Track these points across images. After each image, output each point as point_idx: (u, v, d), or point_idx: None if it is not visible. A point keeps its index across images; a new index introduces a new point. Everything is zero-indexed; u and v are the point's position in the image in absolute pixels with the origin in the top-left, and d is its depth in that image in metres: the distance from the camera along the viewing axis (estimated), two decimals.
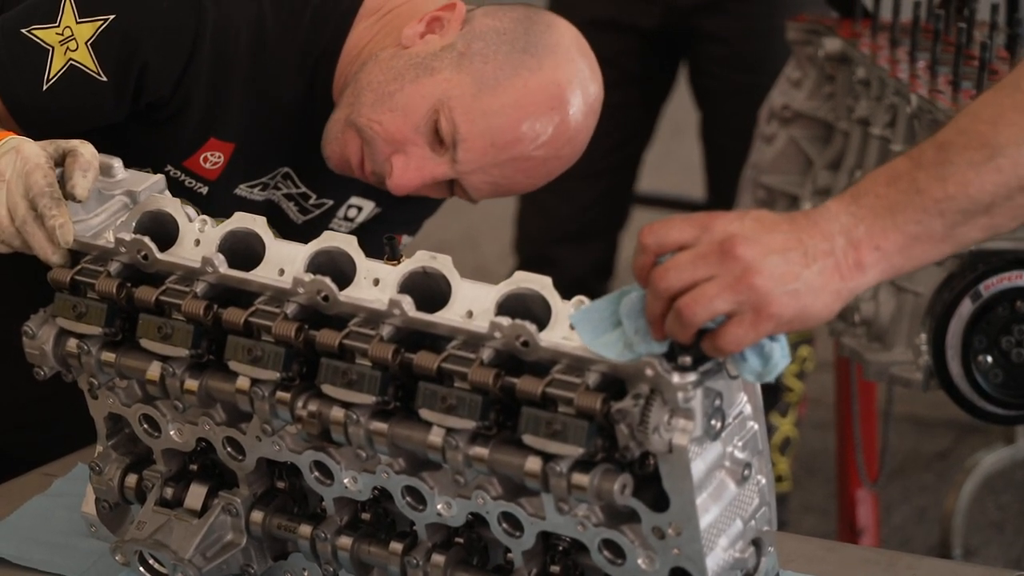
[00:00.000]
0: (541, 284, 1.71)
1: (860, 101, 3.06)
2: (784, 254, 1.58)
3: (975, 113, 1.65)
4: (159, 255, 1.85)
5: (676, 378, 1.58)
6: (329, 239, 1.83)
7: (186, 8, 2.20)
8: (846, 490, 3.60)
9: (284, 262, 1.83)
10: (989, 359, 2.36)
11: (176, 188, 2.25)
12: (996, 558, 3.87)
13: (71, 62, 2.17)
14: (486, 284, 1.75)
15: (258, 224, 1.86)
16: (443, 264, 1.76)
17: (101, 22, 2.17)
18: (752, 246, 1.57)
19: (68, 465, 2.21)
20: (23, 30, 2.17)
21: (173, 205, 1.92)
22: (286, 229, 2.33)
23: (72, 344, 1.89)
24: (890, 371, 2.72)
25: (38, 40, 2.17)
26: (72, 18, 2.17)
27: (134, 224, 1.93)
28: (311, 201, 2.42)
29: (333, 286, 1.76)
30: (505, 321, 1.67)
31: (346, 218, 2.46)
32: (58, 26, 2.16)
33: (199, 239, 1.88)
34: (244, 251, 1.85)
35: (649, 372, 1.59)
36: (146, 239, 1.85)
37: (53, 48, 2.17)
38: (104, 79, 2.18)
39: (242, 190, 2.36)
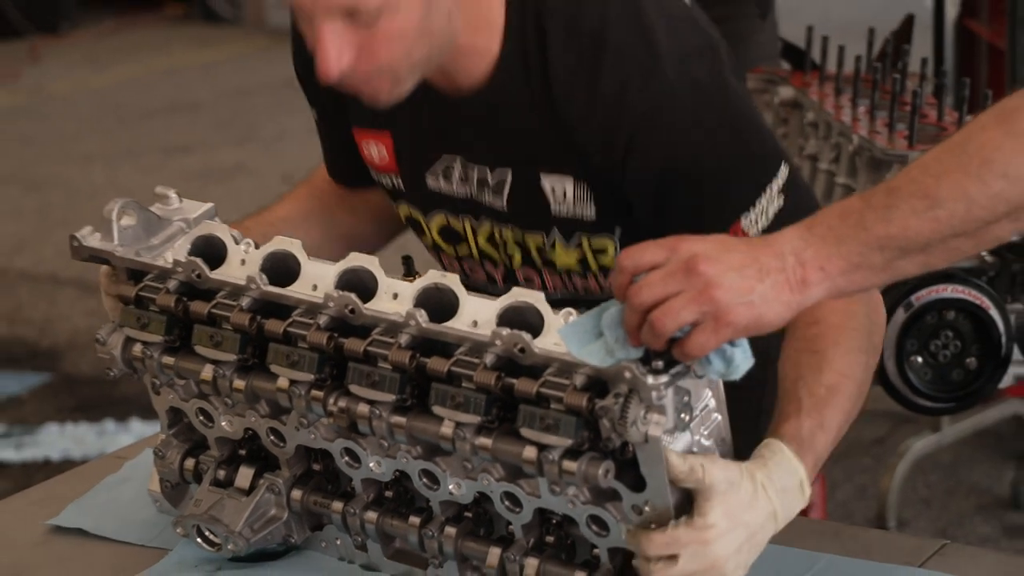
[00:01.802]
0: (535, 298, 1.72)
1: (809, 140, 3.07)
2: (741, 270, 1.59)
3: (925, 166, 1.65)
4: (210, 274, 1.86)
5: (650, 380, 1.60)
6: (355, 259, 1.83)
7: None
8: None
9: (317, 279, 1.83)
10: (920, 360, 2.36)
11: (384, 189, 2.14)
12: (924, 529, 3.87)
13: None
14: (489, 298, 1.76)
15: (294, 247, 1.85)
16: (452, 281, 1.77)
17: None
18: (713, 264, 1.59)
19: (136, 450, 2.21)
20: None
21: (222, 230, 1.91)
22: (500, 217, 2.05)
23: (137, 349, 1.90)
24: None
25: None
26: None
27: (189, 246, 1.92)
28: (490, 180, 2.03)
29: (358, 301, 1.77)
30: (505, 331, 1.68)
31: (557, 198, 2.01)
32: None
33: (244, 259, 1.88)
34: (282, 269, 1.85)
35: (627, 375, 1.60)
36: (199, 260, 1.86)
37: None
38: (313, 111, 2.18)
39: (432, 181, 2.07)
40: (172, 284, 1.89)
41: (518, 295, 1.75)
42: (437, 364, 1.74)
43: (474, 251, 2.09)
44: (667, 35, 1.91)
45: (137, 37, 9.41)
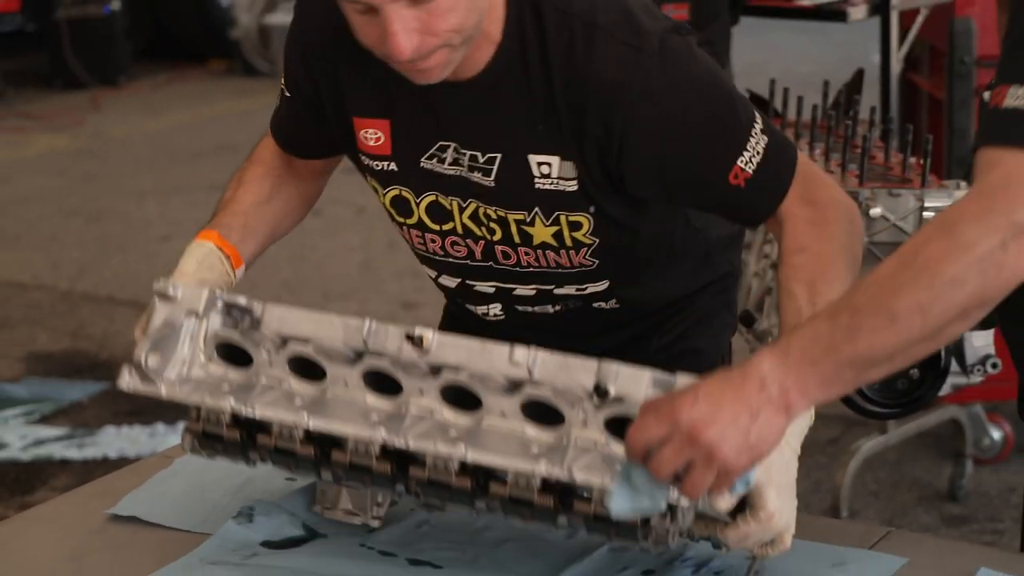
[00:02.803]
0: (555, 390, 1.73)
1: None
2: (735, 421, 1.60)
3: (880, 282, 1.64)
4: (258, 415, 1.81)
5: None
6: (372, 362, 1.79)
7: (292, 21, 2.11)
8: None
9: (343, 375, 1.80)
10: None
11: (374, 173, 2.07)
12: (873, 518, 3.86)
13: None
14: (508, 393, 1.75)
15: (310, 348, 1.80)
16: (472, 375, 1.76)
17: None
18: (711, 427, 1.60)
19: (183, 449, 2.20)
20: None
21: (240, 335, 1.85)
22: (486, 196, 2.01)
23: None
24: None
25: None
26: None
27: (214, 354, 1.86)
28: (480, 160, 1.98)
29: (400, 440, 1.75)
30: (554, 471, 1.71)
31: (543, 176, 1.97)
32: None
33: (271, 360, 1.83)
34: (311, 364, 1.81)
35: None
36: (244, 409, 1.81)
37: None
38: (288, 95, 2.13)
39: (427, 164, 2.01)
40: (227, 418, 1.84)
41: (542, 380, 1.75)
42: (498, 489, 1.76)
43: (458, 227, 2.04)
44: (645, 16, 1.91)
45: (186, 88, 9.41)
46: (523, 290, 2.08)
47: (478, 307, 2.13)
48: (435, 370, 1.76)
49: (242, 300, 1.84)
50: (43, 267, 6.18)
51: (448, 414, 1.76)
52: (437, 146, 1.99)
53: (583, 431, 1.72)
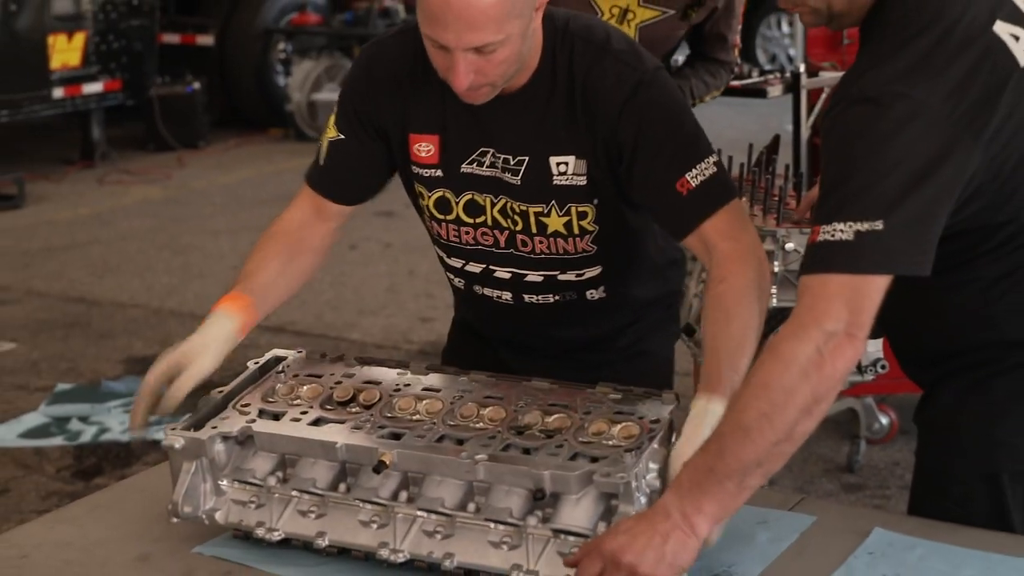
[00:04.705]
0: None
1: None
2: (649, 545, 1.59)
3: (732, 406, 1.64)
4: (277, 537, 1.78)
5: None
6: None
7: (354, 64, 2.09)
8: None
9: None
10: None
11: (423, 180, 2.05)
12: (788, 486, 3.85)
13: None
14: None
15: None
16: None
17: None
18: (628, 551, 1.59)
19: None
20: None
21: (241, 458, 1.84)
22: (513, 192, 2.01)
23: None
24: None
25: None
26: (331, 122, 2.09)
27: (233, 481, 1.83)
28: (511, 163, 1.99)
29: (399, 556, 1.71)
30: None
31: (560, 173, 1.99)
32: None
33: (275, 473, 1.83)
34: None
35: None
36: None
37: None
38: (343, 137, 2.07)
39: (467, 168, 2.01)
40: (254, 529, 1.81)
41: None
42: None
43: (489, 220, 2.04)
44: (644, 52, 1.99)
45: (250, 151, 9.41)
46: (533, 276, 2.07)
47: (493, 291, 2.12)
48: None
49: (235, 430, 1.82)
50: (139, 290, 6.16)
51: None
52: (478, 152, 2.00)
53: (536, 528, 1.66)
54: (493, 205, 2.02)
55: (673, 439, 1.74)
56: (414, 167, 2.06)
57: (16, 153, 8.82)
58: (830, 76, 4.66)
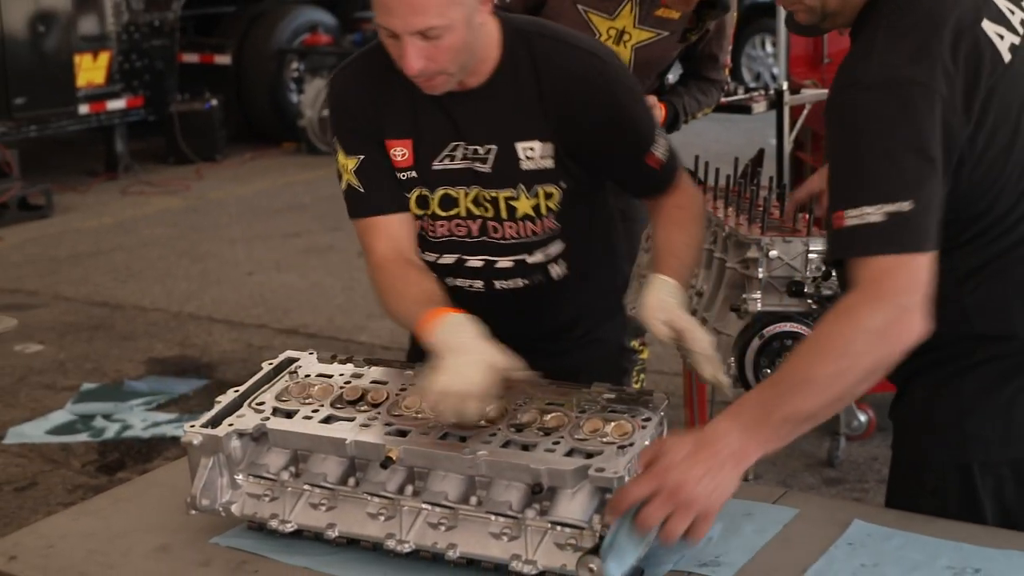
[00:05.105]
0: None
1: None
2: (707, 475, 1.59)
3: (801, 358, 1.65)
4: (290, 528, 1.77)
5: None
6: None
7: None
8: None
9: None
10: (768, 371, 2.35)
11: (401, 184, 2.05)
12: (771, 480, 3.84)
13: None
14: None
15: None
16: None
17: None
18: (687, 486, 1.58)
19: None
20: None
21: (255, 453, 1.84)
22: (484, 180, 2.03)
23: None
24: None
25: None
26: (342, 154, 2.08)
27: (249, 475, 1.82)
28: (480, 152, 2.02)
29: (405, 546, 1.70)
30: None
31: (528, 158, 2.03)
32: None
33: (288, 467, 1.83)
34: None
35: None
36: None
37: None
38: (364, 158, 2.04)
39: (439, 165, 2.04)
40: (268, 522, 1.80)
41: None
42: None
43: (463, 211, 2.06)
44: (598, 42, 2.12)
45: (265, 163, 9.41)
46: (504, 262, 2.09)
47: (465, 281, 2.12)
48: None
49: (250, 427, 1.81)
50: (160, 295, 6.15)
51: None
52: (450, 147, 2.02)
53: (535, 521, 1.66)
54: (467, 196, 2.05)
55: (629, 301, 1.98)
56: (393, 172, 2.08)
57: (45, 166, 8.82)
58: (811, 93, 4.67)
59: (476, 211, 2.06)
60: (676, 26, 3.15)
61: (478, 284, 2.11)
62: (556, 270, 2.13)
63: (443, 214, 2.07)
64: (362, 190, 2.07)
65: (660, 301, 1.93)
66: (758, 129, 7.34)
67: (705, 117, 3.49)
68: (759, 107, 4.56)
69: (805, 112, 4.62)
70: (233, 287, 6.15)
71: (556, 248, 2.10)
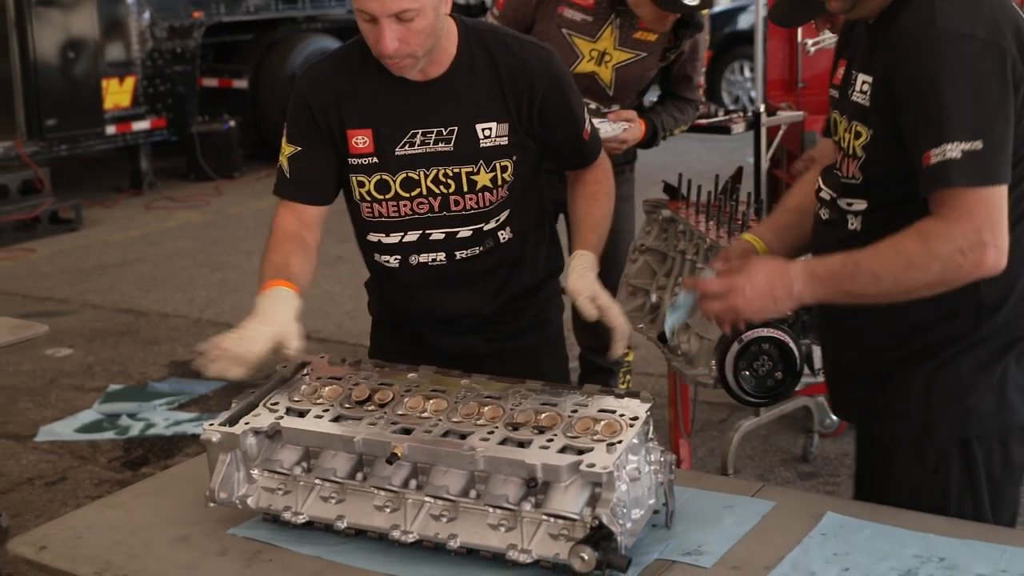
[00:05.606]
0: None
1: (680, 242, 3.06)
2: (764, 297, 1.81)
3: (875, 254, 1.75)
4: (303, 520, 1.77)
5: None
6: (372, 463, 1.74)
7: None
8: (674, 438, 3.57)
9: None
10: (747, 373, 2.33)
11: (361, 168, 2.13)
12: (750, 475, 3.84)
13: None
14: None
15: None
16: None
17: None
18: (750, 306, 1.83)
19: None
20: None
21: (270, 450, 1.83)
22: (446, 158, 2.11)
23: None
24: (696, 379, 2.69)
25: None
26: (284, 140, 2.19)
27: (263, 470, 1.81)
28: (444, 133, 2.11)
29: (409, 536, 1.70)
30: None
31: (486, 137, 2.12)
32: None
33: (300, 463, 1.83)
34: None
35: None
36: None
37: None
38: (299, 149, 2.16)
39: (400, 151, 2.11)
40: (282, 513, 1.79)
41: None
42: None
43: (423, 190, 2.12)
44: (541, 41, 2.21)
45: None
46: (464, 232, 2.16)
47: (428, 256, 2.18)
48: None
49: (265, 425, 1.81)
50: (181, 302, 6.15)
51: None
52: (409, 134, 2.09)
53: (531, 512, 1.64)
54: (426, 176, 2.12)
55: (567, 276, 2.07)
56: (352, 159, 2.14)
57: (74, 182, 8.82)
58: (786, 115, 4.67)
59: (436, 189, 2.13)
60: (654, 47, 3.19)
61: (441, 257, 2.18)
62: (503, 235, 2.20)
63: (405, 195, 2.14)
64: (288, 176, 2.19)
65: (585, 279, 2.06)
66: (737, 149, 7.34)
67: (686, 137, 3.50)
68: (738, 128, 4.56)
69: (781, 132, 4.63)
70: (250, 295, 6.11)
71: (504, 214, 2.18)
